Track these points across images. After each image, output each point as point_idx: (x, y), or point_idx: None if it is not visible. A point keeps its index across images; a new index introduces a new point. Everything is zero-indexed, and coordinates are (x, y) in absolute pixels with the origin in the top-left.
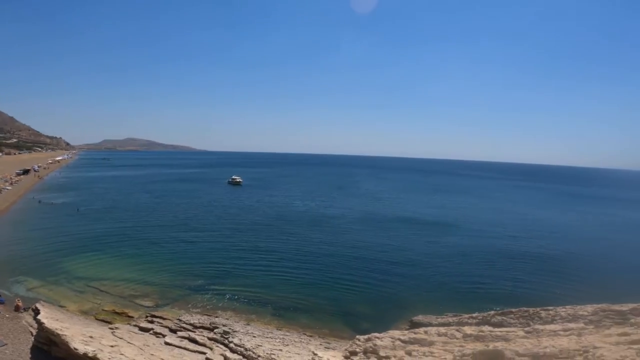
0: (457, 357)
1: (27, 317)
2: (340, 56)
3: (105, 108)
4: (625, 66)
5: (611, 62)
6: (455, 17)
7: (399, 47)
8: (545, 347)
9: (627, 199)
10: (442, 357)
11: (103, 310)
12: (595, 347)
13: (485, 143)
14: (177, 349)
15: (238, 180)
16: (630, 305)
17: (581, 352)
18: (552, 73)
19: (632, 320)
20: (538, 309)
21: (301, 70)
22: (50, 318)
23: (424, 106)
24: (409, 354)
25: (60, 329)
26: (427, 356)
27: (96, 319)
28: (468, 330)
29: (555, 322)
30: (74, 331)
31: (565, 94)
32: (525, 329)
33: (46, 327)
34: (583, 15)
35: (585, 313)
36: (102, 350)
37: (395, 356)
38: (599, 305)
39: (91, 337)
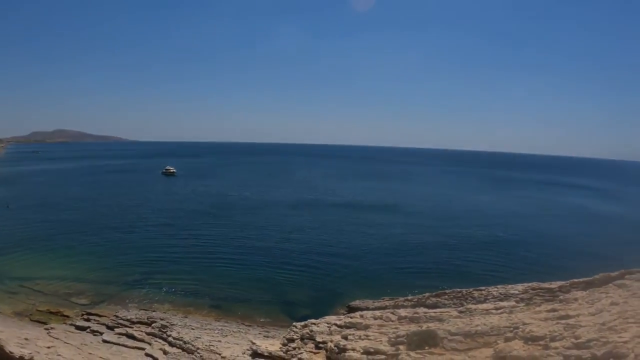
0: (392, 339)
1: None
2: (275, 46)
3: (32, 99)
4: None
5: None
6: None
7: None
8: (477, 326)
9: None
10: (378, 339)
11: (37, 310)
12: (524, 324)
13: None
14: (115, 346)
15: (172, 170)
16: (559, 283)
17: (511, 328)
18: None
19: (561, 297)
20: (471, 289)
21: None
22: None
23: (355, 95)
24: (345, 338)
25: None
26: (362, 339)
27: (31, 320)
28: (403, 312)
29: (487, 301)
30: (8, 334)
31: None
32: (459, 309)
33: None
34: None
35: (516, 292)
36: (38, 353)
37: (331, 341)
38: (530, 284)
39: (26, 339)
